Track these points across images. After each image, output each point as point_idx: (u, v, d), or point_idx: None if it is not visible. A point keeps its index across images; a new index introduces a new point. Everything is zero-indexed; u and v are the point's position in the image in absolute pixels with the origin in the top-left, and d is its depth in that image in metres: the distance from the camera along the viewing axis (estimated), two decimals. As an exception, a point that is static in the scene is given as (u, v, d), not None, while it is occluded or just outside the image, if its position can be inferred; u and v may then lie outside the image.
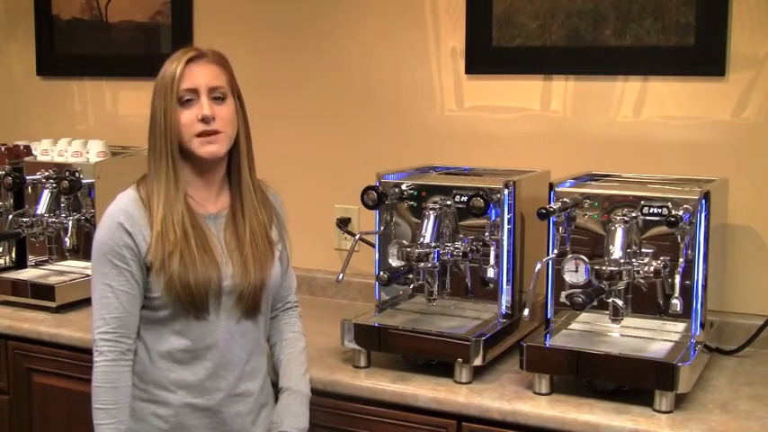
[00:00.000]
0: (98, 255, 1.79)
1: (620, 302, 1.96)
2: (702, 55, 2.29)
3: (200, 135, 1.79)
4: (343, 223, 2.76)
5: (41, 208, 2.65)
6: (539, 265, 1.98)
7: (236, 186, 1.88)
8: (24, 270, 2.79)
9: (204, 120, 1.78)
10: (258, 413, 1.91)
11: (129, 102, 3.19)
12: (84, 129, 3.28)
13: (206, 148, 1.80)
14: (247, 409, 1.88)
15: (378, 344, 2.08)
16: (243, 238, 1.85)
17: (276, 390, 1.95)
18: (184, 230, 1.77)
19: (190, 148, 1.79)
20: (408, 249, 2.08)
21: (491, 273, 2.14)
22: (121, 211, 1.78)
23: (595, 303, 1.89)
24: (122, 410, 1.78)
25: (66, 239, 2.63)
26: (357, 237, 2.26)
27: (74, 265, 2.73)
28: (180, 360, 1.80)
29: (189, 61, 1.79)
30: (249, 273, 1.82)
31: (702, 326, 1.96)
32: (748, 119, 2.28)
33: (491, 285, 2.15)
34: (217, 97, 1.81)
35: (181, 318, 1.79)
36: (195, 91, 1.78)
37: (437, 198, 2.17)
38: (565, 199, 2.03)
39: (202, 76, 1.79)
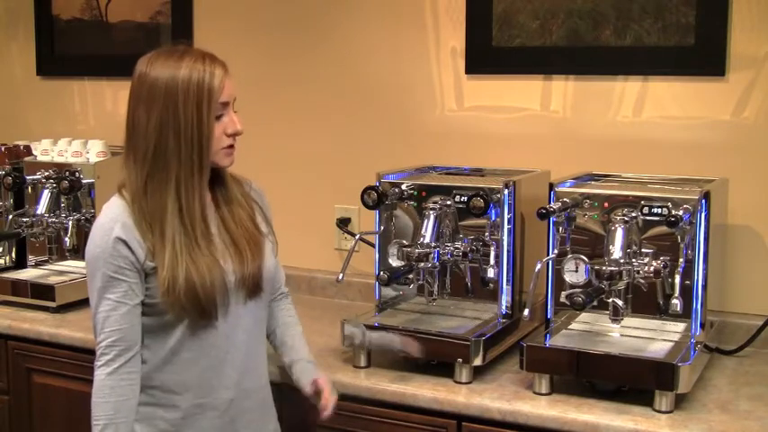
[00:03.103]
0: (93, 269, 1.75)
1: (620, 302, 1.96)
2: (702, 55, 2.29)
3: (225, 147, 1.78)
4: (343, 223, 2.76)
5: (41, 208, 2.65)
6: (539, 265, 1.98)
7: (219, 182, 1.85)
8: (24, 270, 2.79)
9: (236, 134, 1.78)
10: (265, 408, 1.91)
11: (129, 102, 3.19)
12: (84, 129, 3.28)
13: (229, 159, 1.81)
14: (254, 404, 1.88)
15: (378, 344, 2.08)
16: (233, 230, 1.83)
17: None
18: (197, 243, 1.75)
19: (213, 159, 1.78)
20: (408, 249, 2.08)
21: (491, 273, 2.14)
22: (114, 221, 1.74)
23: (595, 303, 1.89)
24: (121, 426, 1.74)
25: (66, 239, 2.64)
26: (357, 237, 2.26)
27: (74, 265, 2.73)
28: (185, 362, 1.79)
29: (225, 72, 1.76)
30: (246, 259, 1.81)
31: (702, 326, 1.96)
32: (748, 119, 2.28)
33: (491, 285, 2.15)
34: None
35: (184, 320, 1.77)
36: (227, 104, 1.77)
37: (437, 198, 2.17)
38: (565, 199, 2.03)
39: (232, 87, 1.78)
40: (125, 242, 1.73)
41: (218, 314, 1.78)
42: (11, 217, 2.67)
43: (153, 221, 1.74)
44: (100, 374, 1.74)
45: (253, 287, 1.82)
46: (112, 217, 1.75)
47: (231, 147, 1.80)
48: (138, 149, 1.74)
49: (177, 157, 1.72)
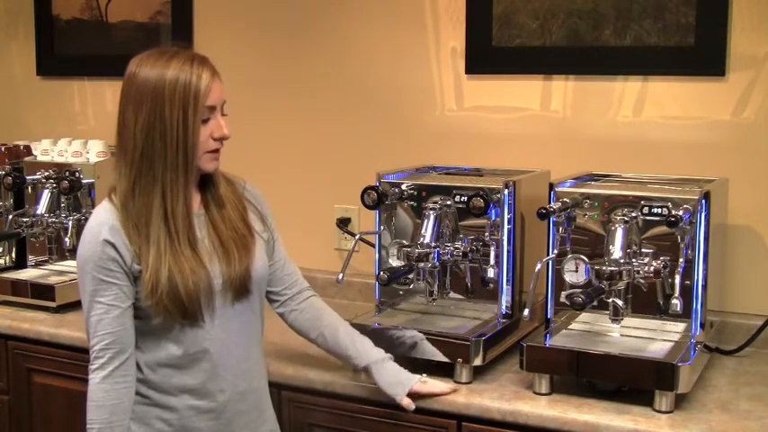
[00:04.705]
0: (83, 273, 1.75)
1: (620, 302, 1.96)
2: (702, 55, 2.29)
3: (210, 151, 1.77)
4: (343, 223, 2.76)
5: (41, 208, 2.65)
6: (539, 265, 1.99)
7: (210, 184, 1.85)
8: (24, 270, 2.79)
9: (222, 139, 1.77)
10: (263, 410, 1.91)
11: (129, 102, 3.19)
12: (84, 129, 3.28)
13: (213, 164, 1.80)
14: (251, 407, 1.87)
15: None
16: (222, 231, 1.82)
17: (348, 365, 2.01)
18: (181, 246, 1.74)
19: (197, 163, 1.77)
20: (408, 249, 2.08)
21: (491, 273, 2.14)
22: (102, 225, 1.74)
23: (595, 303, 1.89)
24: (116, 429, 1.74)
25: (67, 239, 2.64)
26: (357, 237, 2.26)
27: (74, 265, 2.69)
28: (179, 365, 1.79)
29: (213, 76, 1.75)
30: (234, 260, 1.80)
31: (702, 326, 1.96)
32: (748, 119, 2.28)
33: (491, 285, 2.15)
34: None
35: (174, 324, 1.76)
36: (214, 108, 1.76)
37: (437, 198, 2.17)
38: (565, 199, 2.03)
39: (220, 91, 1.76)
40: (113, 245, 1.73)
41: (205, 316, 1.77)
42: (11, 217, 2.67)
43: (139, 224, 1.74)
44: (94, 378, 1.74)
45: (240, 289, 1.82)
46: (101, 221, 1.75)
47: (216, 151, 1.79)
48: (127, 151, 1.75)
49: (163, 160, 1.72)
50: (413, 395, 1.92)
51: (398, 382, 1.93)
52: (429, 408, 1.94)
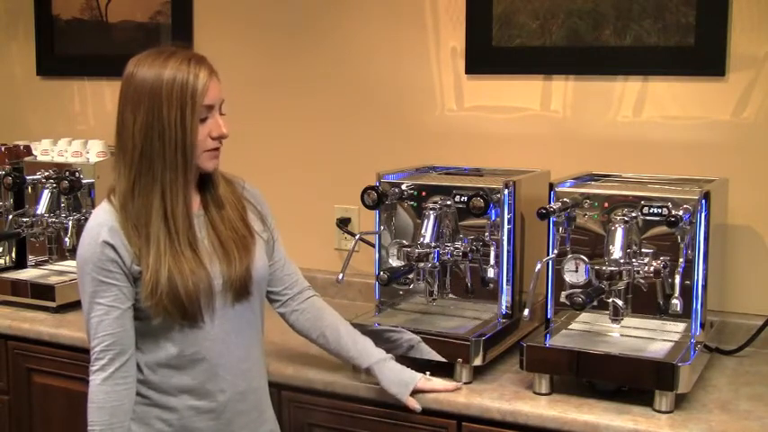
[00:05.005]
0: (83, 274, 1.75)
1: (620, 302, 1.96)
2: (702, 55, 2.29)
3: (208, 150, 1.77)
4: (343, 223, 2.76)
5: (41, 208, 2.65)
6: (539, 265, 1.99)
7: (209, 184, 1.84)
8: (24, 270, 2.79)
9: (220, 138, 1.77)
10: (263, 410, 1.91)
11: (129, 102, 3.18)
12: (84, 129, 3.28)
13: (213, 162, 1.79)
14: (251, 407, 1.87)
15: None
16: (221, 232, 1.82)
17: (352, 367, 2.01)
18: (182, 246, 1.74)
19: (197, 162, 1.76)
20: (408, 249, 2.08)
21: (491, 273, 2.14)
22: (101, 226, 1.74)
23: (595, 303, 1.89)
24: (117, 431, 1.74)
25: (67, 239, 2.64)
26: (357, 237, 2.26)
27: (74, 265, 2.69)
28: (178, 366, 1.79)
29: (210, 75, 1.75)
30: (234, 261, 1.80)
31: (702, 326, 1.96)
32: (748, 119, 2.28)
33: (491, 285, 2.15)
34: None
35: (174, 324, 1.76)
36: (212, 107, 1.76)
37: (437, 198, 2.17)
38: (565, 199, 2.03)
39: (218, 90, 1.76)
40: (112, 246, 1.73)
41: (204, 317, 1.77)
42: (11, 217, 2.67)
43: (139, 224, 1.73)
44: (95, 380, 1.74)
45: (240, 289, 1.81)
46: (100, 222, 1.75)
47: (216, 150, 1.79)
48: (126, 151, 1.74)
49: (162, 159, 1.72)
50: (415, 392, 1.92)
51: (401, 381, 1.93)
52: (429, 408, 1.94)
